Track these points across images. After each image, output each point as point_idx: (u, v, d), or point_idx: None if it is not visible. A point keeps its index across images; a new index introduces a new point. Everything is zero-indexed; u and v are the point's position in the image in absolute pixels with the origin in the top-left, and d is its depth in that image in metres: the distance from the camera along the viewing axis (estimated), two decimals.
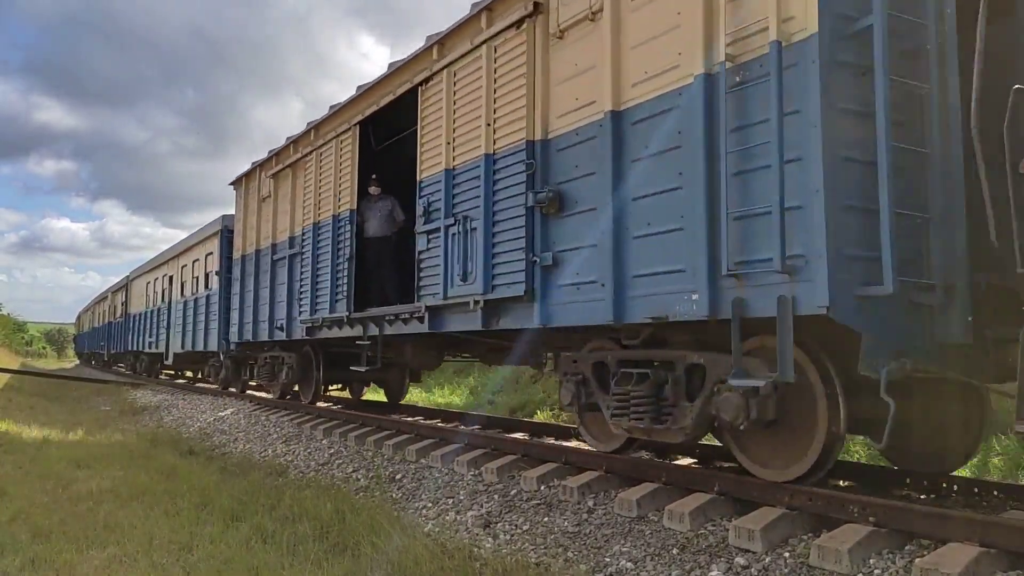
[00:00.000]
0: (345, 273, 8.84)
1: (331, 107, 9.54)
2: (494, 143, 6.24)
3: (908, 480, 5.15)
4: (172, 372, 23.55)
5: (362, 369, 8.78)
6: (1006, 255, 3.76)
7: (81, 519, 5.28)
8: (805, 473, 4.38)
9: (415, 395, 16.28)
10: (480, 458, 6.37)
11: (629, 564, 4.01)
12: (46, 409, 14.31)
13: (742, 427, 4.30)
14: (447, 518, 5.26)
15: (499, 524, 4.98)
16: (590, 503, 4.98)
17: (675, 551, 4.05)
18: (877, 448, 5.39)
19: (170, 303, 19.54)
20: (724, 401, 4.35)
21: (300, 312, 10.03)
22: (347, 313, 8.71)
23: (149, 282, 23.02)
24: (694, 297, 4.45)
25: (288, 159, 10.80)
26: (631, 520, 4.59)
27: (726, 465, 5.74)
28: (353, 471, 7.09)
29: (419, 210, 7.27)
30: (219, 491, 6.09)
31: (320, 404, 11.17)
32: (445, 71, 6.99)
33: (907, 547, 3.62)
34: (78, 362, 48.97)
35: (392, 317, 7.89)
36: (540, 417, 11.06)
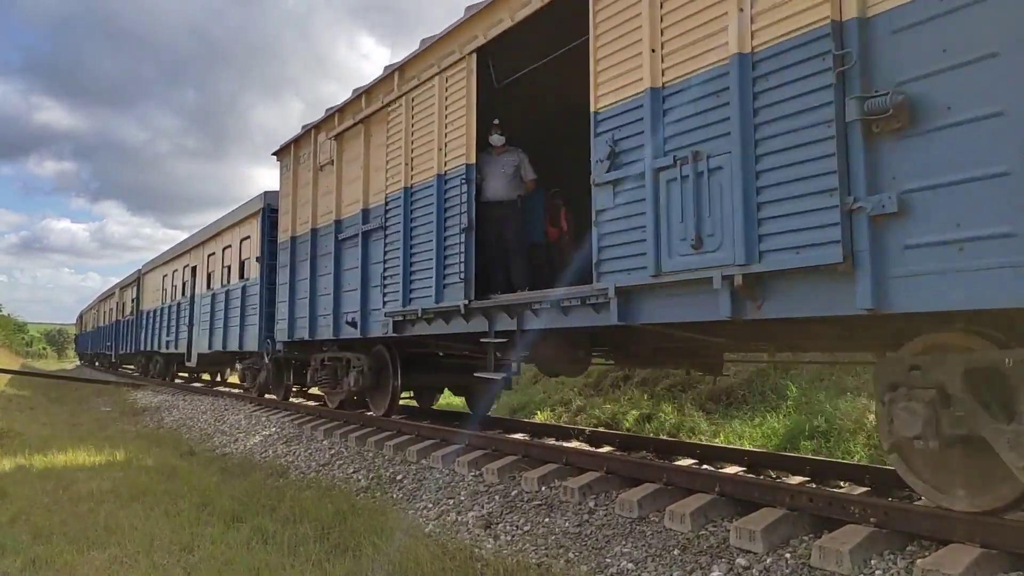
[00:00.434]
0: (460, 249, 6.73)
1: (424, 41, 7.58)
2: (752, 36, 4.22)
3: None
4: (185, 375, 21.80)
5: (498, 376, 6.78)
6: None
7: (82, 520, 5.29)
8: None
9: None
10: (481, 459, 6.37)
11: (630, 565, 4.01)
12: (47, 410, 14.31)
13: None
14: (448, 519, 5.26)
15: (500, 525, 4.98)
16: (591, 504, 4.98)
17: (676, 552, 4.05)
18: None
19: (193, 297, 17.33)
20: None
21: (385, 302, 7.89)
22: (465, 302, 6.63)
23: (166, 275, 20.70)
24: None
25: (358, 114, 8.73)
26: (632, 521, 4.59)
27: (729, 469, 5.72)
28: (354, 472, 7.09)
29: (597, 153, 5.21)
30: (220, 492, 6.09)
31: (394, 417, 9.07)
32: None
33: (908, 548, 3.63)
34: (78, 363, 48.79)
35: (542, 305, 5.90)
36: (540, 418, 11.06)
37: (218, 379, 22.16)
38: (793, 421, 7.98)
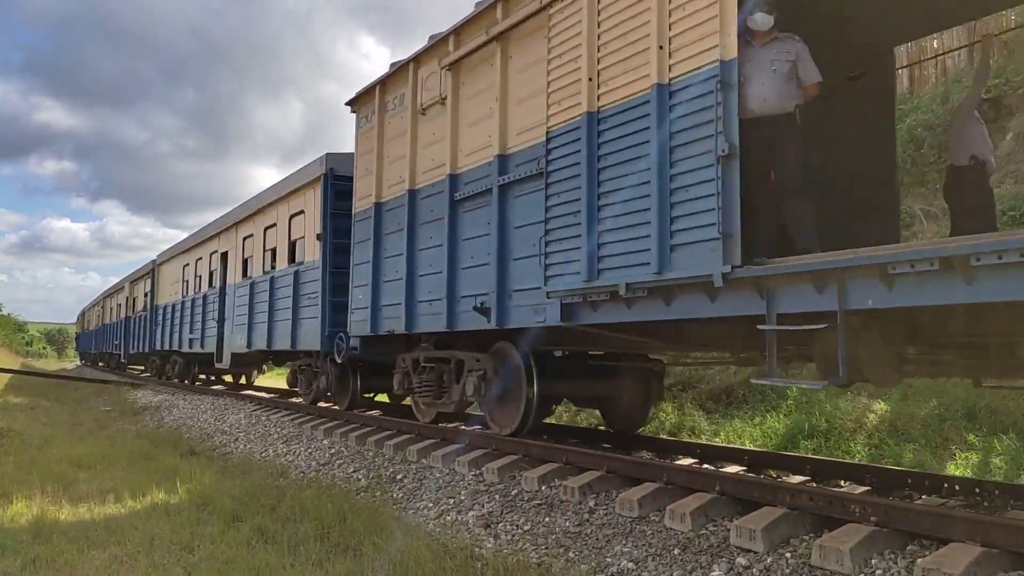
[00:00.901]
0: (714, 190, 4.44)
1: None
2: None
3: (909, 480, 5.16)
4: (205, 376, 19.57)
5: (819, 385, 4.55)
6: None
7: (82, 519, 5.28)
8: None
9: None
10: (481, 458, 6.37)
11: (630, 564, 4.00)
12: (47, 410, 14.31)
13: None
14: (448, 518, 5.26)
15: (500, 524, 4.98)
16: (591, 503, 4.98)
17: (676, 551, 4.05)
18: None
19: (224, 288, 14.92)
20: None
21: (549, 276, 5.62)
22: (726, 269, 4.34)
23: (187, 264, 18.18)
24: None
25: (492, 28, 6.56)
26: (632, 520, 4.59)
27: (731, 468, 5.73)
28: (354, 471, 7.09)
29: None
30: (220, 491, 6.09)
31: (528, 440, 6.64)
32: None
33: (909, 547, 3.62)
34: (79, 363, 48.62)
35: (918, 266, 3.56)
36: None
37: (241, 381, 20.03)
38: (793, 420, 7.98)
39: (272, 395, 14.92)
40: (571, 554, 4.29)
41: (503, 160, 6.40)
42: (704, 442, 7.65)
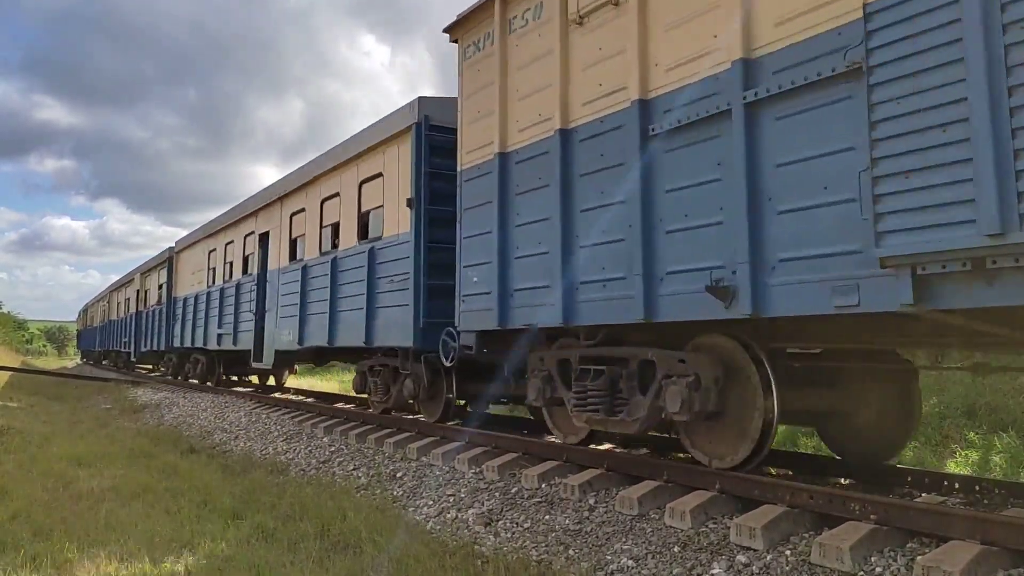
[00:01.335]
0: None
1: None
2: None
3: (909, 478, 5.16)
4: (237, 377, 17.65)
5: None
6: None
7: (82, 517, 5.29)
8: None
9: None
10: (481, 456, 6.37)
11: (630, 562, 4.01)
12: (47, 408, 14.31)
13: None
14: (448, 516, 5.27)
15: (500, 522, 4.98)
16: (591, 501, 4.98)
17: (676, 549, 4.05)
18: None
19: (264, 274, 12.88)
20: None
21: (886, 231, 3.50)
22: None
23: (214, 249, 16.11)
24: None
25: None
26: (632, 518, 4.59)
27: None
28: (354, 469, 7.09)
29: None
30: (220, 489, 6.10)
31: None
32: None
33: (908, 545, 3.63)
34: (79, 361, 48.53)
35: None
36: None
37: (264, 382, 18.03)
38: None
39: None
40: (571, 552, 4.29)
41: (751, 66, 4.37)
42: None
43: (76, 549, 4.48)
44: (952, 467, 6.27)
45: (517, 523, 4.90)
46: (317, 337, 10.19)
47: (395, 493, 6.09)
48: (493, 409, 9.05)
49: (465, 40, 7.09)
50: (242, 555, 4.28)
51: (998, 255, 3.16)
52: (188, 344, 17.46)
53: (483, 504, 5.38)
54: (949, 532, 3.51)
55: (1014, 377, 7.65)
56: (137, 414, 13.65)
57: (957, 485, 4.91)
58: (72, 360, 56.51)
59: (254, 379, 18.16)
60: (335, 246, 10.08)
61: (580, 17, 5.69)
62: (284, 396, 14.32)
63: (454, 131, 7.25)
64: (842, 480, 5.40)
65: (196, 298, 17.10)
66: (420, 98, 8.13)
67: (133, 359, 25.48)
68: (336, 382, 19.92)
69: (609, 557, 4.13)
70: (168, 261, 20.37)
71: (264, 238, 13.03)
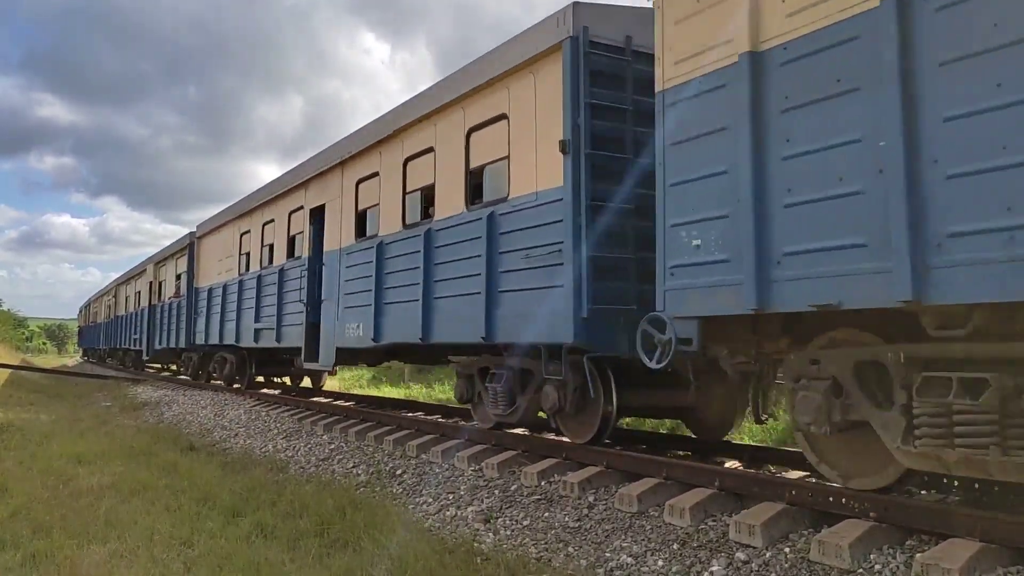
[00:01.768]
0: None
1: None
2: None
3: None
4: (259, 377, 15.11)
5: None
6: None
7: (82, 515, 5.29)
8: None
9: (415, 391, 16.30)
10: (481, 454, 6.38)
11: (629, 559, 4.01)
12: (47, 405, 14.31)
13: None
14: (448, 513, 5.27)
15: (500, 519, 4.98)
16: (590, 498, 4.99)
17: (675, 546, 4.06)
18: None
19: (319, 256, 10.63)
20: None
21: None
22: None
23: (248, 231, 13.96)
24: None
25: None
26: (631, 515, 4.59)
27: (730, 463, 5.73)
28: (354, 467, 7.09)
29: None
30: (220, 487, 6.10)
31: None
32: None
33: (908, 542, 3.63)
34: (80, 359, 48.38)
35: None
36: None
37: (288, 383, 16.00)
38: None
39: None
40: (570, 549, 4.29)
41: None
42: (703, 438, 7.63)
43: (76, 546, 4.48)
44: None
45: (516, 520, 4.90)
46: (402, 331, 8.08)
47: (395, 491, 6.09)
48: (649, 424, 7.94)
49: None
50: (242, 552, 4.28)
51: None
52: (215, 341, 15.18)
53: (483, 501, 5.38)
54: (948, 530, 3.51)
55: None
56: (137, 412, 13.66)
57: (956, 483, 4.91)
58: (72, 358, 56.48)
59: (286, 380, 15.94)
60: (427, 215, 8.00)
61: None
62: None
63: (620, 51, 5.98)
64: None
65: (225, 288, 14.81)
66: (576, 3, 6.00)
67: (145, 357, 22.91)
68: (343, 381, 19.82)
69: (608, 554, 4.13)
70: (189, 248, 17.81)
71: (317, 213, 10.79)
